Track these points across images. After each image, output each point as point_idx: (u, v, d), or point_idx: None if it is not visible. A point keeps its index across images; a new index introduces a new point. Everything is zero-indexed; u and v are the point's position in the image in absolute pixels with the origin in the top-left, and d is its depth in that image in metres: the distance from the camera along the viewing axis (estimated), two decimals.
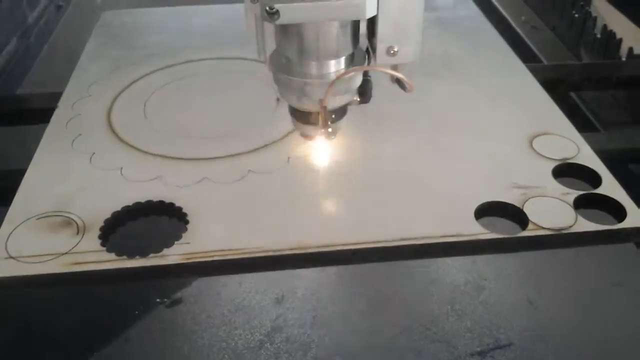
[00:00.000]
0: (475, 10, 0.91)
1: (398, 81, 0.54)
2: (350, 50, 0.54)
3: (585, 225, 0.55)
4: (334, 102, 0.56)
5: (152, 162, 0.64)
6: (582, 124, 0.85)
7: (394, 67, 0.54)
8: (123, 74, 0.80)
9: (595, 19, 0.94)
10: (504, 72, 0.78)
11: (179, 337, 0.50)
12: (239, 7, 0.96)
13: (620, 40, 0.88)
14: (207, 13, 0.95)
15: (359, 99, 0.59)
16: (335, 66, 0.54)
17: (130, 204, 0.58)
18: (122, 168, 0.63)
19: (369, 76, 0.58)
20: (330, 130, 0.57)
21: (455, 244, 0.54)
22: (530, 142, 0.65)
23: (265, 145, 0.66)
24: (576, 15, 0.98)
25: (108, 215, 0.57)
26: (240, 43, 0.85)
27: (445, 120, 0.70)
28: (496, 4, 1.12)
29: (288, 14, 0.49)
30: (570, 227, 0.55)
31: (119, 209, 0.58)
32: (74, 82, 0.79)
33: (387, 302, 0.53)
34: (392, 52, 0.52)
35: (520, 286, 0.55)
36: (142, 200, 0.59)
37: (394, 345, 0.50)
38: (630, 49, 0.87)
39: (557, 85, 0.80)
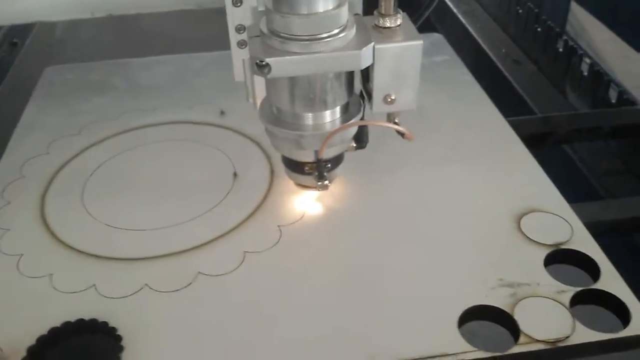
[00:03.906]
0: (452, 55, 0.83)
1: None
2: (345, 99, 0.51)
3: (584, 334, 0.48)
4: (331, 152, 0.54)
5: (86, 265, 0.56)
6: (573, 175, 0.78)
7: (390, 114, 0.52)
8: (61, 148, 0.71)
9: (581, 56, 0.87)
10: (484, 130, 0.70)
11: None
12: (195, 57, 0.88)
13: (609, 81, 0.81)
14: (155, 66, 0.86)
15: (355, 145, 0.57)
16: (331, 116, 0.52)
17: (59, 324, 0.50)
18: (52, 275, 0.55)
19: None
20: (327, 182, 0.54)
21: None
22: (518, 222, 0.58)
23: (217, 238, 0.58)
24: (560, 50, 0.91)
25: (33, 340, 0.49)
26: (191, 103, 0.77)
27: (418, 195, 0.62)
28: (474, 34, 1.05)
29: (280, 67, 0.45)
30: (568, 337, 0.47)
31: (45, 331, 0.50)
32: (6, 159, 0.70)
33: None
34: (389, 100, 0.50)
35: None
36: (72, 319, 0.51)
37: None
38: (620, 93, 0.79)
39: (546, 139, 0.73)
